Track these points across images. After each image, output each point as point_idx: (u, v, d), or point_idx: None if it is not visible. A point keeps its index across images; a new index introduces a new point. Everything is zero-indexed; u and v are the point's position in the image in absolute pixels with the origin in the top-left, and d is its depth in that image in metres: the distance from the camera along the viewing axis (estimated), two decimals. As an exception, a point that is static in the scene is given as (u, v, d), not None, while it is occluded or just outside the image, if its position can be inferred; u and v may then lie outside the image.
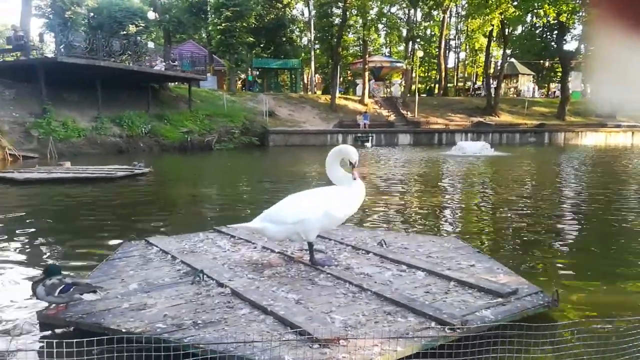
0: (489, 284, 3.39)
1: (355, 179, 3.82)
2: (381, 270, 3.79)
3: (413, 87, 37.45)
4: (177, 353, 2.56)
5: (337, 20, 35.70)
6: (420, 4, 37.52)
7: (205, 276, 3.57)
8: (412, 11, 39.76)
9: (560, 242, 5.50)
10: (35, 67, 19.40)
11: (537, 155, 21.69)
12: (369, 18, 31.44)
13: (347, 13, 31.78)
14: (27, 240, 5.59)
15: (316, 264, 3.84)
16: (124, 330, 2.73)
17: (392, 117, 32.06)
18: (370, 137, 26.81)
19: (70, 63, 19.62)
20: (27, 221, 6.80)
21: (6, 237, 5.75)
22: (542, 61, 42.28)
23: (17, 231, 6.04)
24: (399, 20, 38.25)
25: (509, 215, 7.17)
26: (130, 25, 40.10)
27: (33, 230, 6.18)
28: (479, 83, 46.49)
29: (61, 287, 2.88)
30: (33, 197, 9.07)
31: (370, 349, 2.57)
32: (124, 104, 22.66)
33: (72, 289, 2.91)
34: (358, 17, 32.62)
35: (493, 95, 34.06)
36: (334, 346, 2.57)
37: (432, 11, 40.13)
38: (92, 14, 40.39)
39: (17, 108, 19.54)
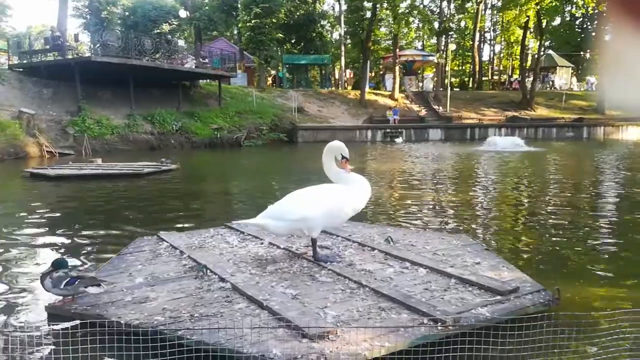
0: (490, 282, 3.34)
1: (348, 172, 3.83)
2: (383, 267, 3.78)
3: (445, 81, 36.84)
4: (172, 344, 2.62)
5: (367, 14, 35.43)
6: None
7: (208, 271, 3.64)
8: (444, 4, 39.10)
9: (580, 243, 5.32)
10: (71, 66, 20.07)
11: (573, 150, 21.02)
12: (400, 11, 31.05)
13: (377, 7, 31.52)
14: (50, 233, 5.83)
15: (319, 260, 3.86)
16: (122, 322, 2.82)
17: (423, 112, 31.65)
18: (399, 133, 26.57)
19: (104, 62, 20.24)
20: (54, 215, 7.09)
21: (33, 229, 6.02)
22: (582, 53, 40.81)
23: (43, 224, 6.31)
24: (430, 13, 37.65)
25: (528, 213, 7.01)
26: (163, 24, 41.00)
27: (58, 223, 6.44)
28: (515, 76, 45.28)
29: (67, 280, 3.01)
30: (62, 192, 9.43)
31: (359, 344, 2.58)
32: (155, 101, 23.22)
33: (77, 282, 3.03)
34: (388, 11, 32.26)
35: (529, 89, 33.12)
36: (322, 341, 2.59)
37: (466, 3, 39.31)
38: (127, 14, 41.45)
39: (54, 106, 20.32)
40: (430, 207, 7.46)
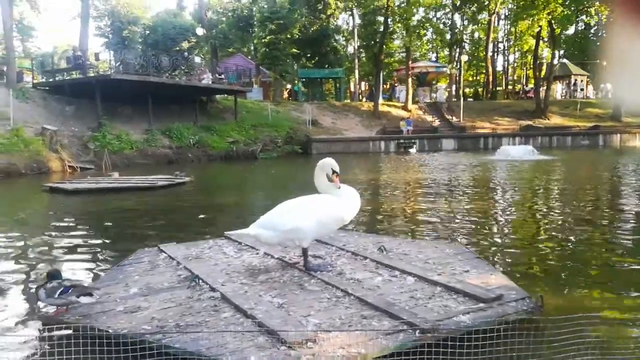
0: (474, 290, 3.38)
1: (339, 187, 3.92)
2: (373, 276, 3.85)
3: (459, 91, 36.74)
4: (158, 352, 2.74)
5: (381, 28, 35.70)
6: (464, 7, 36.84)
7: (200, 281, 3.76)
8: (455, 15, 39.12)
9: (579, 253, 5.30)
10: (92, 84, 20.71)
11: (588, 158, 20.73)
12: (412, 24, 31.22)
13: (390, 21, 31.74)
14: (58, 244, 6.03)
15: (310, 270, 3.94)
16: (111, 331, 2.94)
17: (437, 123, 31.59)
18: (413, 143, 26.57)
19: (124, 79, 20.83)
20: (66, 226, 7.32)
21: (43, 240, 6.24)
22: (598, 61, 40.27)
23: (53, 235, 6.54)
24: (441, 26, 37.72)
25: (528, 222, 6.98)
26: (183, 42, 41.91)
27: (68, 234, 6.66)
28: (530, 85, 44.85)
29: (60, 290, 3.15)
30: (77, 205, 9.73)
31: (336, 351, 2.65)
32: (173, 116, 23.71)
33: (69, 291, 3.17)
34: (399, 25, 32.46)
35: (543, 98, 32.82)
36: (300, 348, 2.67)
37: (478, 15, 39.27)
38: (147, 32, 42.51)
39: (76, 123, 20.91)
40: (432, 216, 7.48)
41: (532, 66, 39.04)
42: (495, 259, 4.79)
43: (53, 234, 6.84)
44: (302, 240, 3.89)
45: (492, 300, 3.24)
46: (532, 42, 37.59)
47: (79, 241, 6.31)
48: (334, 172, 3.95)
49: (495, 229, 6.49)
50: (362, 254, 4.39)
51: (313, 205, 3.94)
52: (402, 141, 26.86)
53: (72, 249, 5.87)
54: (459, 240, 5.60)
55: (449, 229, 6.54)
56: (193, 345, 2.74)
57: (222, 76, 26.34)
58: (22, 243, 6.30)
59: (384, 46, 35.06)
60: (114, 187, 11.67)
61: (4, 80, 21.96)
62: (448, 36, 38.31)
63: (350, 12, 39.93)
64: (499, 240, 5.81)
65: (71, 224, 7.62)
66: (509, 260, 4.83)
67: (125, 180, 12.65)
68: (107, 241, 6.34)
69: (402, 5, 30.59)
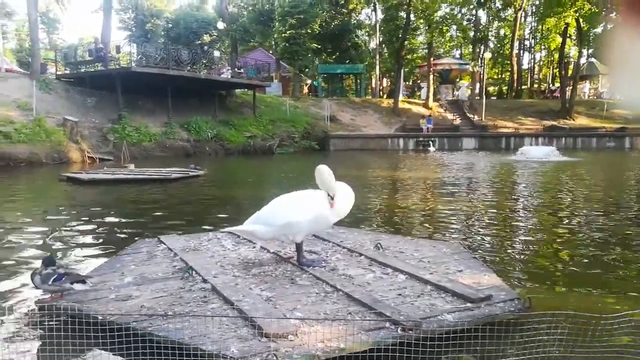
0: (464, 289, 3.35)
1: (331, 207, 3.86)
2: (365, 273, 3.84)
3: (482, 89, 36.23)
4: (143, 339, 2.79)
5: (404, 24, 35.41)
6: (489, 3, 36.24)
7: (194, 272, 3.81)
8: (480, 12, 38.54)
9: (581, 257, 5.19)
10: (113, 76, 21.05)
11: (611, 161, 20.25)
12: (435, 20, 30.87)
13: (412, 16, 31.44)
14: (66, 231, 6.17)
15: (302, 265, 3.96)
16: (100, 318, 3.01)
17: (458, 121, 31.22)
18: (431, 142, 26.34)
19: (144, 72, 21.13)
20: (77, 215, 7.48)
21: (51, 227, 6.39)
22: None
23: (63, 222, 6.69)
24: (465, 22, 37.19)
25: (533, 224, 6.86)
26: (204, 35, 42.29)
27: (78, 223, 6.81)
28: (556, 85, 43.93)
29: (54, 277, 3.23)
30: (90, 195, 9.93)
31: (315, 344, 2.66)
32: (193, 110, 23.98)
33: (63, 279, 3.25)
34: (422, 20, 32.13)
35: (568, 97, 32.13)
36: (280, 340, 2.69)
37: (504, 11, 38.61)
38: (170, 25, 43.04)
39: (96, 115, 21.33)
40: (438, 215, 7.41)
41: (558, 65, 38.23)
42: (494, 260, 4.72)
43: (64, 222, 7.00)
44: (295, 235, 3.90)
45: (480, 300, 3.20)
46: (559, 40, 36.80)
47: (88, 229, 6.45)
48: (329, 195, 3.86)
49: (497, 230, 6.39)
50: (357, 251, 4.38)
51: (306, 201, 3.94)
52: (421, 139, 26.66)
53: (79, 237, 6.01)
54: (461, 240, 5.55)
55: (452, 228, 6.47)
56: (177, 334, 2.79)
57: (242, 70, 26.48)
58: (32, 229, 6.47)
59: (407, 42, 34.76)
60: (129, 178, 11.88)
61: (29, 72, 22.51)
62: (472, 33, 37.72)
63: (372, 7, 39.69)
64: (501, 242, 5.73)
65: (83, 213, 7.78)
66: (509, 262, 4.75)
67: (140, 172, 12.85)
68: (115, 231, 6.46)
69: (425, 0, 30.24)
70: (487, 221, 7.01)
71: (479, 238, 5.86)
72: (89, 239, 5.93)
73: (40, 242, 5.74)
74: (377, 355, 2.65)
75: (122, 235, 6.13)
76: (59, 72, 24.23)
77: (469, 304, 3.18)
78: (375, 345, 2.68)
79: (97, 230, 6.42)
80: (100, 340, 2.79)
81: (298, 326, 2.84)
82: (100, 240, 5.84)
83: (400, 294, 3.38)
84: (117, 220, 7.31)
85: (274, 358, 2.51)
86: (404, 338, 2.73)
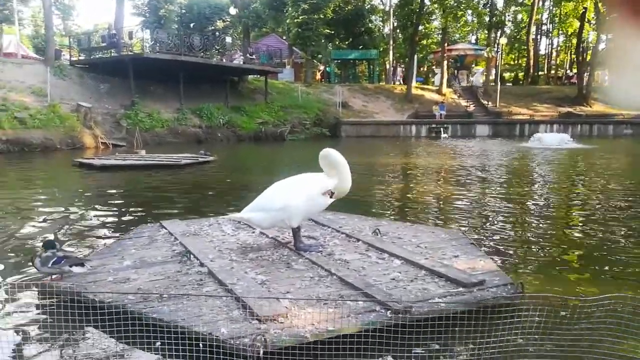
0: (457, 274, 3.35)
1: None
2: (361, 258, 3.86)
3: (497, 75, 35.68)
4: (139, 322, 2.86)
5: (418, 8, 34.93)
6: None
7: (192, 256, 3.87)
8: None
9: (581, 246, 5.15)
10: (125, 62, 21.17)
11: (628, 148, 19.89)
12: (449, 4, 30.39)
13: (426, 0, 31.00)
14: (74, 216, 6.29)
15: (299, 249, 3.99)
16: (97, 299, 3.09)
17: (472, 108, 30.88)
18: (444, 128, 26.11)
19: (156, 58, 21.22)
20: (86, 199, 7.62)
21: (59, 209, 6.52)
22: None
23: (71, 206, 6.82)
24: (480, 7, 36.53)
25: (536, 211, 6.81)
26: (218, 21, 42.22)
27: (86, 207, 6.93)
28: (574, 71, 43.07)
29: (54, 260, 3.32)
30: (101, 180, 10.08)
31: (305, 327, 2.71)
32: (205, 96, 24.03)
33: (62, 262, 3.33)
34: (436, 5, 31.65)
35: (585, 84, 31.53)
36: (270, 322, 2.73)
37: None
38: (184, 11, 43.02)
39: (109, 100, 21.51)
40: (441, 201, 7.39)
41: (575, 50, 37.47)
42: (493, 246, 4.71)
43: (74, 206, 7.13)
44: (291, 220, 3.93)
45: (473, 285, 3.21)
46: (577, 24, 36.01)
47: (96, 214, 6.56)
48: (329, 191, 3.94)
49: (499, 217, 6.35)
50: (356, 237, 4.40)
51: (301, 184, 3.98)
52: (433, 126, 26.44)
53: (87, 222, 6.12)
54: (462, 226, 5.53)
55: (455, 215, 6.45)
56: (171, 315, 2.85)
57: (254, 56, 26.44)
58: (43, 210, 6.60)
59: (421, 27, 34.33)
60: (140, 164, 12.01)
61: (44, 58, 22.74)
62: (487, 18, 37.07)
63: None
64: (502, 228, 5.70)
65: (92, 199, 7.92)
66: (507, 248, 4.73)
67: (151, 158, 12.98)
68: (122, 216, 6.57)
69: (440, -16, 29.83)
70: (491, 208, 6.97)
71: (480, 224, 5.84)
72: (95, 223, 6.03)
73: (49, 225, 5.87)
74: (366, 338, 2.68)
75: (129, 220, 6.23)
76: (73, 59, 24.44)
77: (461, 289, 3.19)
78: (365, 327, 2.71)
79: (104, 215, 6.53)
80: (98, 322, 2.88)
81: (289, 308, 2.89)
82: (107, 225, 5.94)
83: (393, 279, 3.40)
84: (124, 205, 7.41)
85: (262, 339, 2.56)
86: (393, 321, 2.76)
